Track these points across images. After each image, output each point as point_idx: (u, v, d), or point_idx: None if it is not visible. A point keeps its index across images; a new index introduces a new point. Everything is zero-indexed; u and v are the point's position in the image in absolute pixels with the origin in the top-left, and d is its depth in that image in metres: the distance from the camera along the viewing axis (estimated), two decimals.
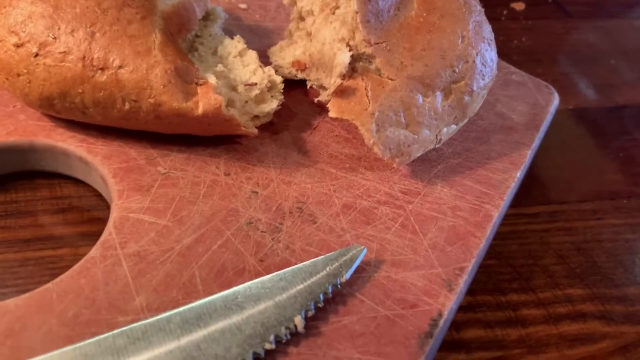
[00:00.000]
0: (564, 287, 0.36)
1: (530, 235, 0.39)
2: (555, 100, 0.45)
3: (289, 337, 0.28)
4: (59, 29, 0.34)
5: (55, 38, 0.34)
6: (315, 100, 0.41)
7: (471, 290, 0.35)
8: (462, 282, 0.32)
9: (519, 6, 0.63)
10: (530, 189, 0.42)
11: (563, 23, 0.62)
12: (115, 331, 0.27)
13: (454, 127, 0.37)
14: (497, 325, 0.33)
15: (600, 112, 0.50)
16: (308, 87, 0.42)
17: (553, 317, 0.34)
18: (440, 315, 0.30)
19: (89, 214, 0.37)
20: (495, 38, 0.56)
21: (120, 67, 0.33)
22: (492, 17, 0.61)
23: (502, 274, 0.36)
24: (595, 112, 0.50)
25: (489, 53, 0.38)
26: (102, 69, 0.33)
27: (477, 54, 0.37)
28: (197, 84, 0.34)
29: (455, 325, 0.33)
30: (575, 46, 0.59)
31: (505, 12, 0.62)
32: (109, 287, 0.29)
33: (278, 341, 0.28)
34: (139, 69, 0.33)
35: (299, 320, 0.28)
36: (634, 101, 0.52)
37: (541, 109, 0.44)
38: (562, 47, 0.58)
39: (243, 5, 0.52)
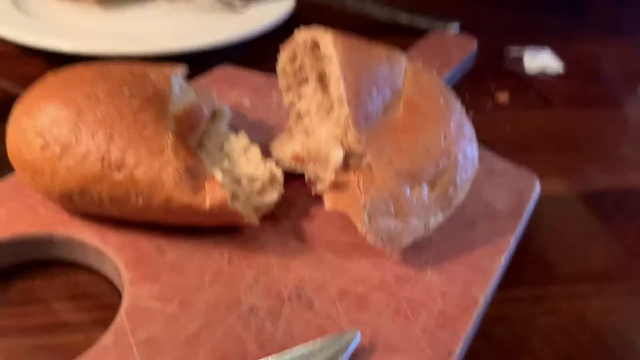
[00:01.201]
0: None
1: (517, 318, 0.41)
2: (537, 187, 0.49)
3: None
4: (81, 132, 0.38)
5: (77, 140, 0.37)
6: (313, 191, 0.44)
7: None
8: None
9: (504, 97, 0.68)
10: (516, 273, 0.44)
11: (545, 113, 0.67)
12: None
13: (440, 216, 0.40)
14: None
15: (581, 198, 0.53)
16: (306, 178, 0.45)
17: None
18: None
19: (102, 300, 0.39)
20: (481, 127, 0.60)
21: (135, 166, 0.37)
22: (478, 108, 0.66)
23: (489, 357, 0.38)
24: (577, 198, 0.53)
25: (470, 149, 0.41)
26: (119, 169, 0.37)
27: (458, 151, 0.40)
28: (204, 179, 0.38)
29: None
30: (557, 135, 0.63)
31: (490, 102, 0.67)
32: None
33: None
34: (152, 168, 0.37)
35: None
36: (613, 187, 0.55)
37: (523, 197, 0.47)
38: (545, 136, 0.62)
39: (247, 102, 0.56)
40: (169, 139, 0.38)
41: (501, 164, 0.51)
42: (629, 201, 0.54)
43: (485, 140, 0.59)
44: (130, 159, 0.37)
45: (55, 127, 0.38)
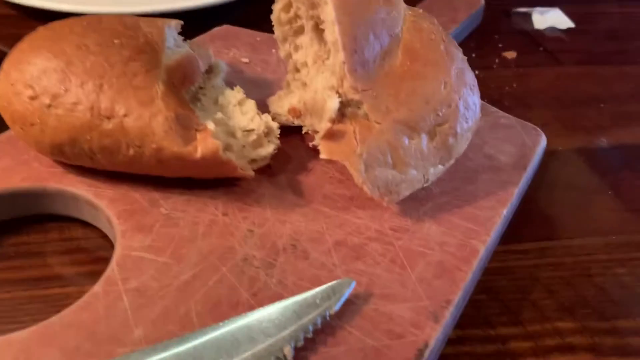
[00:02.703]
0: (553, 320, 0.37)
1: (520, 271, 0.40)
2: (543, 141, 0.47)
3: None
4: (70, 82, 0.37)
5: (66, 90, 0.37)
6: (310, 144, 0.43)
7: (460, 324, 0.35)
8: (449, 314, 0.33)
9: (511, 55, 0.66)
10: (520, 227, 0.43)
11: (554, 70, 0.65)
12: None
13: (440, 167, 0.39)
14: (486, 358, 0.34)
15: (589, 153, 0.52)
16: (303, 132, 0.44)
17: (542, 349, 0.35)
18: (426, 345, 0.31)
19: (95, 254, 0.39)
20: (487, 85, 0.59)
21: (125, 115, 0.36)
22: (484, 66, 0.64)
23: (491, 308, 0.37)
24: (584, 153, 0.52)
25: (472, 98, 0.40)
26: (109, 118, 0.36)
27: (459, 99, 0.39)
28: (196, 130, 0.37)
29: (444, 358, 0.34)
30: (565, 91, 0.61)
31: (497, 60, 0.65)
32: (109, 321, 0.31)
33: None
34: (142, 117, 0.36)
35: (288, 351, 0.29)
36: (623, 141, 0.54)
37: (528, 150, 0.46)
38: (553, 92, 0.60)
39: (245, 59, 0.55)
40: (159, 89, 0.37)
41: (506, 119, 0.49)
42: (636, 157, 0.52)
43: (491, 97, 0.58)
44: (119, 108, 0.36)
45: (44, 77, 0.37)
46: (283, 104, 0.46)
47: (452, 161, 0.40)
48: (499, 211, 0.40)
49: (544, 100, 0.59)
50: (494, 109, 0.51)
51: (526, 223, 0.44)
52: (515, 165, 0.44)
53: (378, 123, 0.37)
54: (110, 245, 0.39)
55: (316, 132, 0.43)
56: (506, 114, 0.50)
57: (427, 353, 0.30)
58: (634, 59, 0.68)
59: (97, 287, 0.33)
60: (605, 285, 0.39)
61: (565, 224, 0.44)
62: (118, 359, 0.28)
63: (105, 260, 0.38)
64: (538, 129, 0.48)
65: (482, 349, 0.35)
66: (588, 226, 0.44)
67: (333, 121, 0.38)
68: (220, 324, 0.30)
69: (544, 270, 0.40)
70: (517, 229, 0.42)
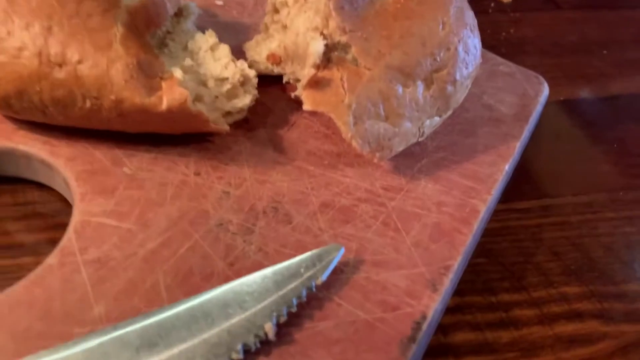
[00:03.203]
0: (558, 285, 0.34)
1: (522, 232, 0.37)
2: (545, 90, 0.43)
3: (258, 345, 0.26)
4: (13, 23, 0.32)
5: (9, 33, 0.32)
6: (292, 95, 0.39)
7: (459, 291, 0.32)
8: (448, 282, 0.29)
9: None
10: (521, 184, 0.39)
11: (552, 15, 0.60)
12: (68, 343, 0.24)
13: (437, 119, 0.35)
14: (487, 327, 0.31)
15: (593, 103, 0.48)
16: (284, 82, 0.40)
17: (548, 317, 0.32)
18: (424, 317, 0.28)
19: (54, 220, 0.35)
20: (483, 31, 0.54)
21: (79, 62, 0.31)
22: (478, 10, 0.59)
23: (492, 272, 0.34)
24: (588, 103, 0.48)
25: (472, 40, 0.36)
26: (60, 65, 0.31)
27: (459, 41, 0.35)
28: (161, 78, 0.32)
29: (442, 328, 0.31)
30: (565, 37, 0.57)
31: (492, 4, 0.61)
32: (65, 297, 0.27)
33: (247, 350, 0.25)
34: (99, 64, 0.31)
35: (269, 327, 0.26)
36: (628, 91, 0.50)
37: (530, 100, 0.42)
38: (552, 38, 0.56)
39: (219, 2, 0.50)
40: (118, 31, 0.32)
41: (506, 66, 0.45)
42: None
43: (488, 43, 0.53)
44: (72, 54, 0.31)
45: None
46: (261, 49, 0.42)
47: (449, 112, 0.36)
48: (500, 167, 0.36)
49: (543, 47, 0.55)
50: (492, 55, 0.47)
51: (528, 179, 0.40)
52: (516, 116, 0.40)
53: (368, 69, 0.33)
54: (71, 210, 0.35)
55: (298, 80, 0.39)
56: (506, 61, 0.46)
57: (425, 326, 0.27)
58: (636, 2, 0.64)
59: (52, 259, 0.29)
60: (614, 245, 0.36)
61: (569, 179, 0.41)
62: (75, 341, 0.25)
63: (65, 227, 0.34)
64: (540, 77, 0.44)
65: (483, 318, 0.32)
66: (593, 182, 0.41)
67: (317, 67, 0.33)
68: (192, 298, 0.26)
69: (547, 230, 0.37)
70: (518, 186, 0.39)
